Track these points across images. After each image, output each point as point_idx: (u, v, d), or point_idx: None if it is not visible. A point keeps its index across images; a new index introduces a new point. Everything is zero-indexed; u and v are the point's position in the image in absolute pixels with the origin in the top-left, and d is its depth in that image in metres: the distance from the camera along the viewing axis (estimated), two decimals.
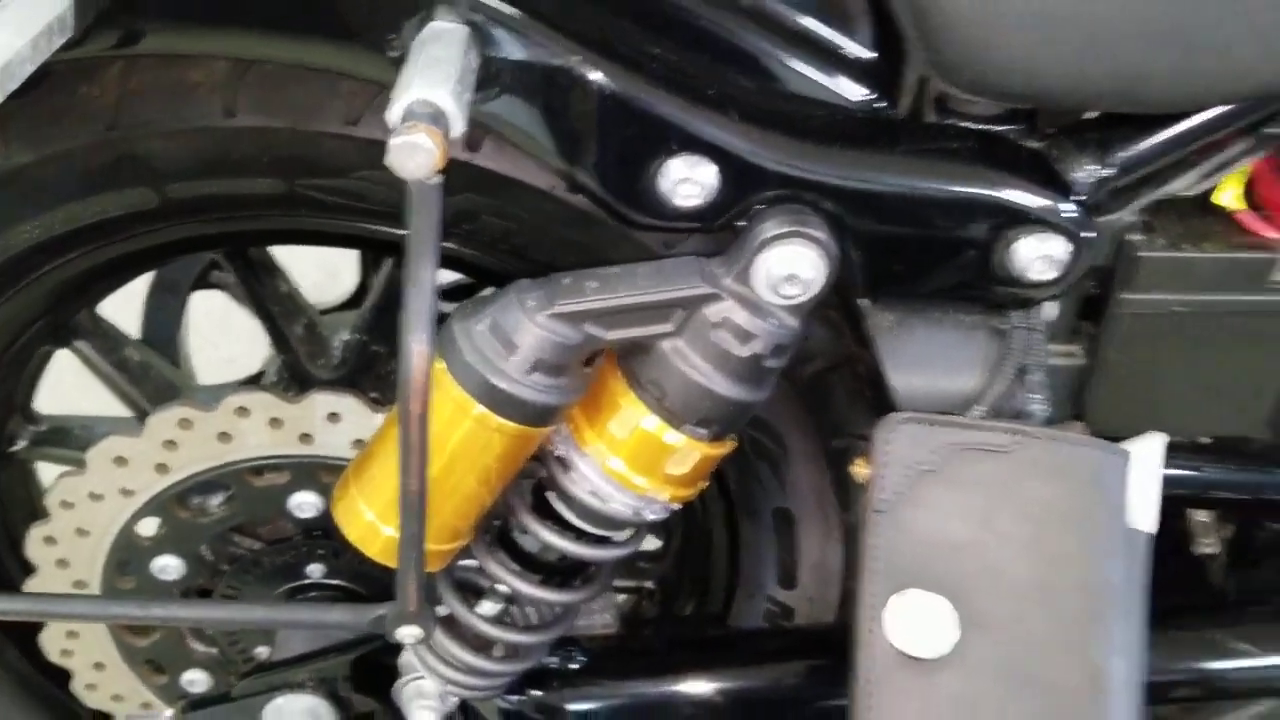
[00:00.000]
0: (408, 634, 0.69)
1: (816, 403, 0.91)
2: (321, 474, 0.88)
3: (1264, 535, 0.95)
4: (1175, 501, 0.97)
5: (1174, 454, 0.92)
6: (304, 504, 0.89)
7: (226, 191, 0.79)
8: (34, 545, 0.91)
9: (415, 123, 0.52)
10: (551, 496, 0.72)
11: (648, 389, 0.67)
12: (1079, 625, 0.58)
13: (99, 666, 0.98)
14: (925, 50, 0.63)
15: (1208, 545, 1.00)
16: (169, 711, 0.91)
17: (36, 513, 0.94)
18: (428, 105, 0.53)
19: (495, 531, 0.76)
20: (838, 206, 0.66)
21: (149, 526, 0.90)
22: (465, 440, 0.65)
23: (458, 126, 0.54)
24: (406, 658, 0.81)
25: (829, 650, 0.85)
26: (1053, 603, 0.58)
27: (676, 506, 0.72)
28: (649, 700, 0.87)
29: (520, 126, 0.65)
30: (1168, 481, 0.91)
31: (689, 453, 0.68)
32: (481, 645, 0.78)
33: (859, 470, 0.65)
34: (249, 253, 0.95)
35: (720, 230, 0.67)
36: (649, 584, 1.12)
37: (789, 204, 0.65)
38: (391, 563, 0.68)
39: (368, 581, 0.94)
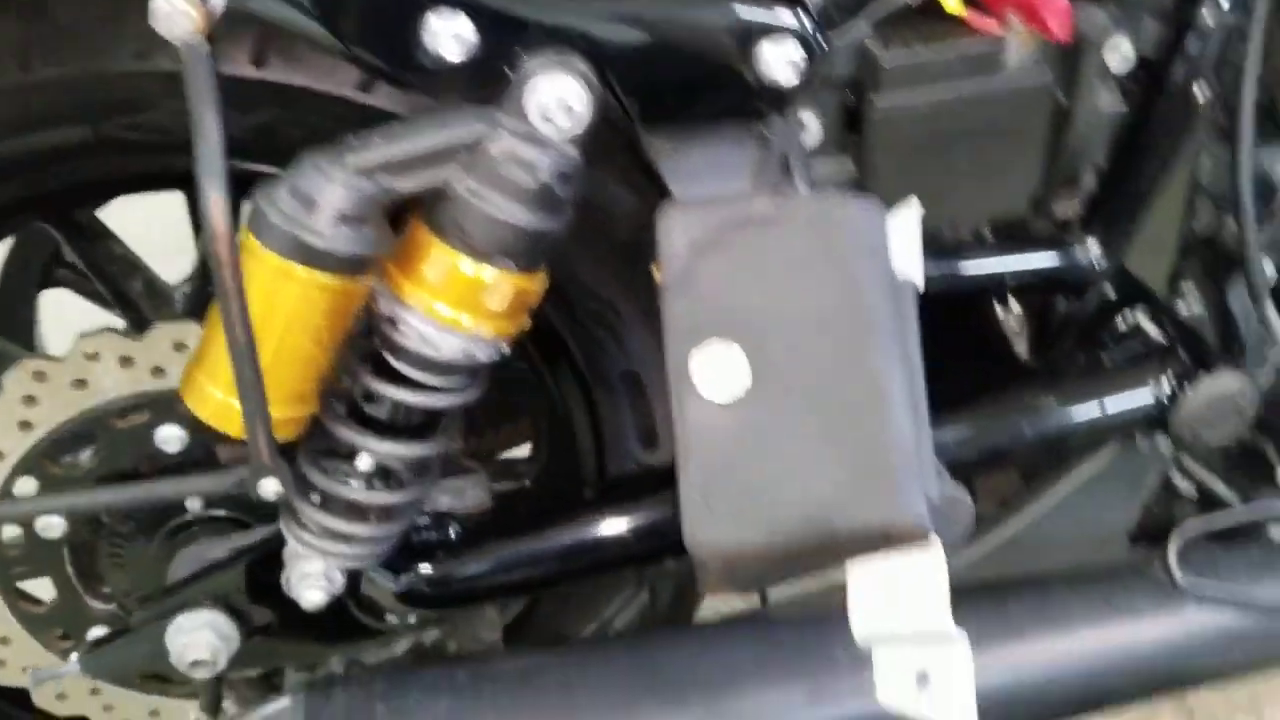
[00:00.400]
0: (268, 488, 0.74)
1: (639, 265, 0.98)
2: (180, 405, 0.92)
3: (1057, 318, 1.05)
4: (981, 296, 1.08)
5: (963, 250, 1.02)
6: (169, 438, 0.93)
7: (39, 145, 0.83)
8: None
9: None
10: (390, 358, 0.78)
11: (452, 232, 0.73)
12: (856, 349, 0.66)
13: (4, 641, 1.01)
14: None
15: (1019, 341, 1.11)
16: (74, 657, 0.94)
17: None
18: None
19: (345, 407, 0.81)
20: (594, 44, 0.73)
21: (27, 486, 0.94)
22: (292, 304, 0.70)
23: None
24: (291, 549, 0.86)
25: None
26: (831, 334, 0.66)
27: (505, 348, 0.79)
28: (528, 554, 0.94)
29: (287, 13, 0.71)
30: (969, 279, 1.01)
31: (501, 285, 0.74)
32: (356, 513, 0.83)
33: (656, 272, 0.72)
34: (77, 219, 0.99)
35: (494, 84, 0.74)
36: (527, 483, 1.18)
37: (550, 46, 0.72)
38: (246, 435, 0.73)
39: (244, 507, 0.98)
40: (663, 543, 0.95)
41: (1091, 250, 1.01)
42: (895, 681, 0.75)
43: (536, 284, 0.77)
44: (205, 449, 0.93)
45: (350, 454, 0.81)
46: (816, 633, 0.92)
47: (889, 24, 0.85)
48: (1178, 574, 0.94)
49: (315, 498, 0.83)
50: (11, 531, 0.96)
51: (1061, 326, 1.04)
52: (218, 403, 0.74)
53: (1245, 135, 0.95)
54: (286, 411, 0.75)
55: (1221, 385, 0.94)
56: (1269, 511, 1.03)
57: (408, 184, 0.71)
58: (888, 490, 0.64)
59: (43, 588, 1.01)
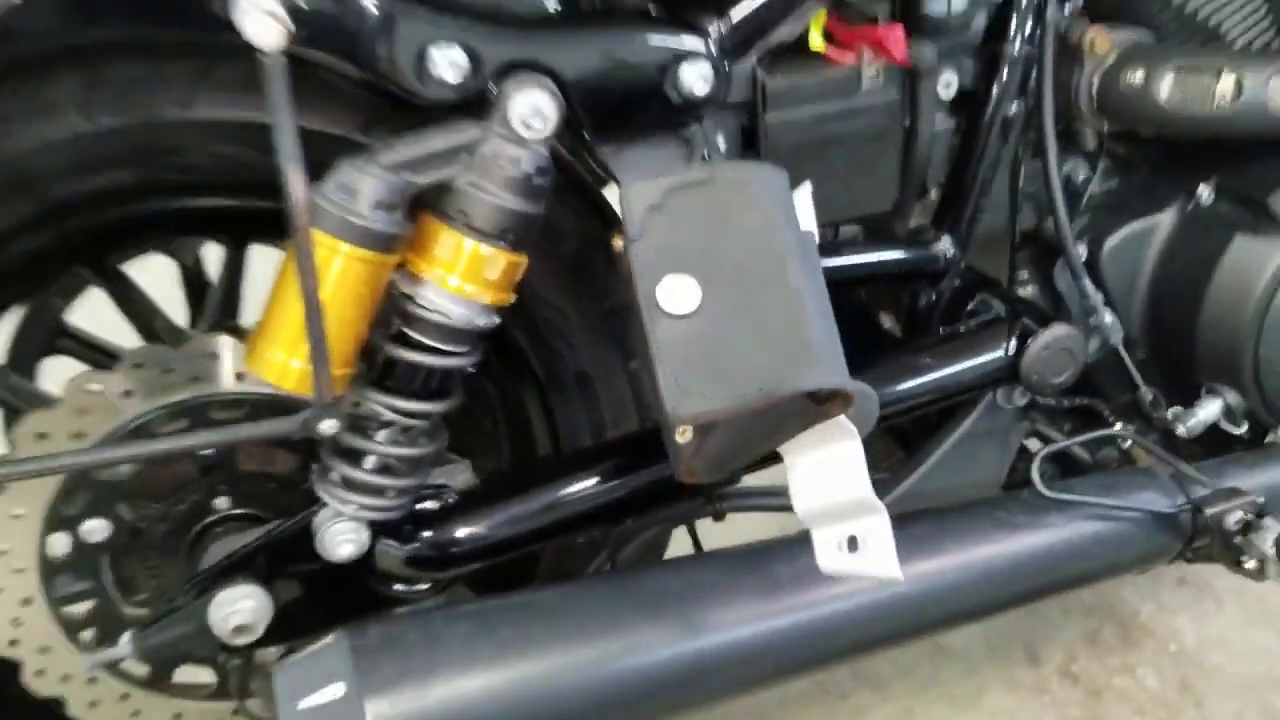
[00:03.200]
0: (329, 426, 0.92)
1: (584, 276, 1.20)
2: (214, 409, 1.08)
3: (922, 304, 1.29)
4: (853, 286, 1.31)
5: (843, 247, 1.26)
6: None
7: (96, 187, 1.01)
8: None
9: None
10: (409, 331, 0.97)
11: (457, 218, 0.93)
12: (778, 271, 0.87)
13: (44, 650, 1.12)
14: None
15: (890, 325, 1.34)
16: (124, 638, 1.07)
17: None
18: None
19: (376, 375, 0.99)
20: (555, 70, 0.96)
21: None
22: (340, 275, 0.89)
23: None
24: (323, 514, 1.03)
25: (644, 447, 1.12)
26: (757, 261, 0.87)
27: (495, 318, 0.98)
28: (517, 514, 1.11)
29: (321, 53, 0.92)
30: (847, 270, 1.24)
31: (496, 259, 0.94)
32: (383, 468, 1.00)
33: (616, 242, 0.93)
34: (110, 265, 1.16)
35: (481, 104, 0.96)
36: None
37: (524, 70, 0.95)
38: (306, 390, 0.90)
39: (266, 505, 1.14)
40: (623, 505, 1.14)
41: (944, 246, 1.26)
42: (831, 550, 0.95)
43: (521, 261, 0.97)
44: None
45: (378, 416, 0.99)
46: (763, 557, 1.11)
47: (773, 57, 1.11)
48: (1041, 486, 1.17)
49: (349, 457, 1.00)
50: (61, 541, 1.09)
51: (927, 311, 1.28)
52: (279, 364, 0.91)
53: (1050, 147, 1.22)
54: (334, 369, 0.93)
55: (1056, 334, 1.18)
56: (1101, 435, 1.27)
57: (425, 178, 0.91)
58: (814, 361, 0.85)
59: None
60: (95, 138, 0.98)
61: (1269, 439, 1.35)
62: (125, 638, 1.07)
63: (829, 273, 0.95)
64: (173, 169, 1.03)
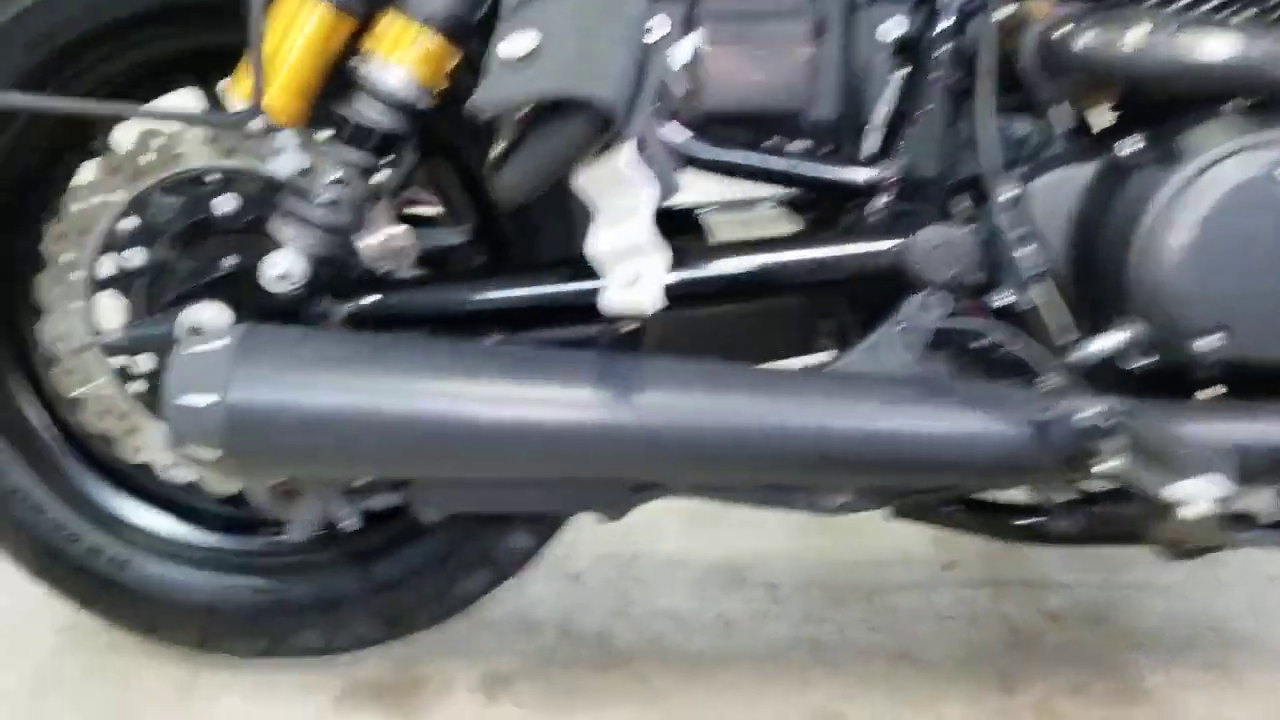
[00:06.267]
0: (258, 123, 1.20)
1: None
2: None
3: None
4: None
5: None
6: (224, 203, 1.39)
7: None
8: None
9: None
10: (361, 91, 1.25)
11: (402, 6, 1.22)
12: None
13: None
14: None
15: None
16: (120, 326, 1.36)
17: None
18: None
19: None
20: None
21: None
22: (315, 25, 1.20)
23: None
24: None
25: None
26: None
27: (426, 100, 1.24)
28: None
29: None
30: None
31: (424, 39, 1.22)
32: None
33: None
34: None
35: None
36: None
37: None
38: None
39: None
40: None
41: (869, 170, 1.39)
42: (615, 290, 1.10)
43: (453, 52, 1.23)
44: None
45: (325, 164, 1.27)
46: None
47: None
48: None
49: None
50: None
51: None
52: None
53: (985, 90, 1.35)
54: (289, 100, 1.22)
55: (941, 229, 1.29)
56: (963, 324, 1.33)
57: None
58: (601, 76, 1.04)
59: None
60: None
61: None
62: (119, 327, 1.36)
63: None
64: None
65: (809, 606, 1.80)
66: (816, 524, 1.93)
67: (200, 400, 1.16)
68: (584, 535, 1.91)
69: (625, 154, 1.06)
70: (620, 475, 1.29)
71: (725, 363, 1.28)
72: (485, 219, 1.45)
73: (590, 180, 1.09)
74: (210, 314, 1.32)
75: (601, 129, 1.05)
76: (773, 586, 1.85)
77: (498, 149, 1.11)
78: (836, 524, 1.92)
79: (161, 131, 1.36)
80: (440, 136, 1.39)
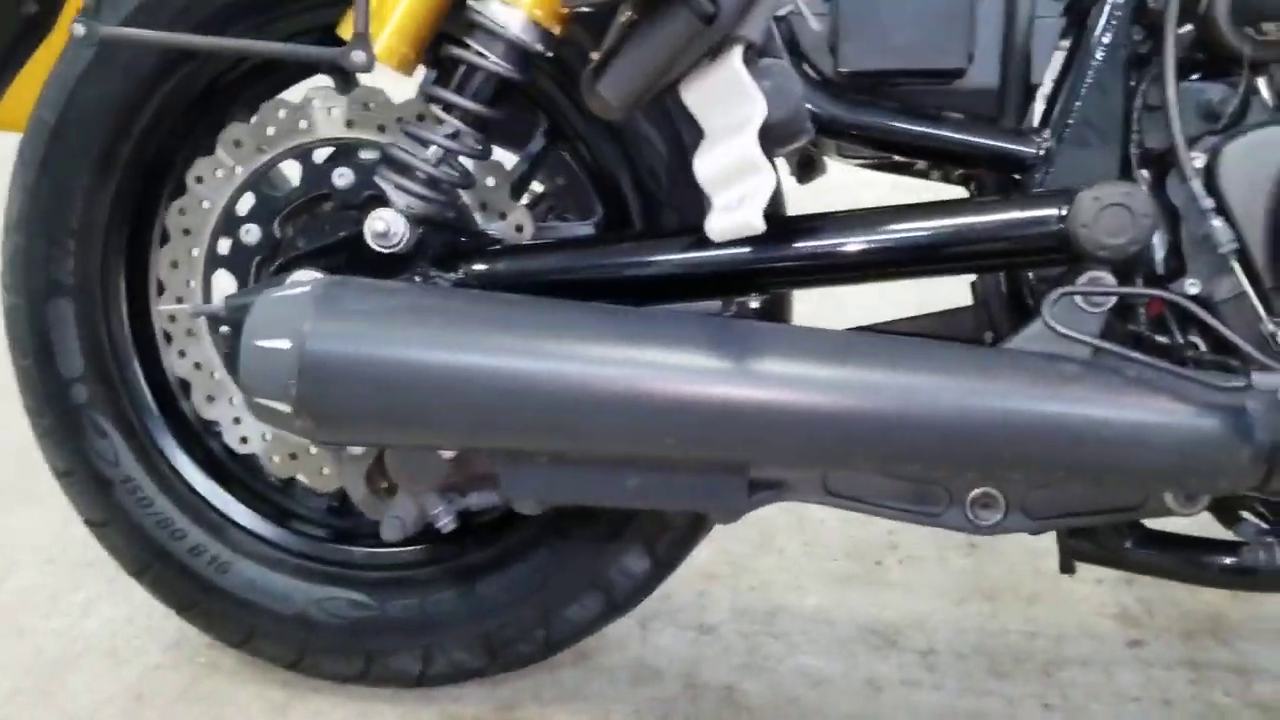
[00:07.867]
0: (359, 56, 1.14)
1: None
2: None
3: None
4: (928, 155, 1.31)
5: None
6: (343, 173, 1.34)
7: None
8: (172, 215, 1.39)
9: None
10: (471, 41, 1.19)
11: None
12: None
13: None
14: None
15: None
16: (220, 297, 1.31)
17: None
18: None
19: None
20: None
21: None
22: None
23: None
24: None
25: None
26: None
27: (542, 46, 1.17)
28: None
29: None
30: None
31: None
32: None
33: None
34: None
35: None
36: None
37: None
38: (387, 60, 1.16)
39: None
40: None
41: (1034, 142, 1.24)
42: (720, 212, 0.98)
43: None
44: None
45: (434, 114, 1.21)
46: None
47: None
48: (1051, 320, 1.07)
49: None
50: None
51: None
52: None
53: (1169, 51, 1.19)
54: (399, 45, 1.17)
55: (1112, 186, 1.12)
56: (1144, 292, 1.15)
57: None
58: None
59: None
60: None
61: None
62: (220, 298, 1.31)
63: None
64: None
65: (969, 677, 1.57)
66: (979, 589, 1.73)
67: (275, 344, 1.08)
68: (719, 587, 1.76)
69: (733, 60, 0.96)
70: (740, 458, 1.13)
71: (871, 333, 1.13)
72: (611, 209, 1.36)
73: (696, 91, 0.98)
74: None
75: (707, 23, 0.94)
76: (928, 653, 1.63)
77: (597, 58, 1.02)
78: (1002, 589, 1.73)
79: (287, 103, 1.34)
80: (565, 128, 1.34)
